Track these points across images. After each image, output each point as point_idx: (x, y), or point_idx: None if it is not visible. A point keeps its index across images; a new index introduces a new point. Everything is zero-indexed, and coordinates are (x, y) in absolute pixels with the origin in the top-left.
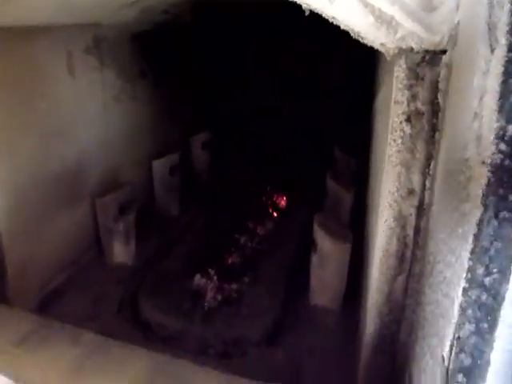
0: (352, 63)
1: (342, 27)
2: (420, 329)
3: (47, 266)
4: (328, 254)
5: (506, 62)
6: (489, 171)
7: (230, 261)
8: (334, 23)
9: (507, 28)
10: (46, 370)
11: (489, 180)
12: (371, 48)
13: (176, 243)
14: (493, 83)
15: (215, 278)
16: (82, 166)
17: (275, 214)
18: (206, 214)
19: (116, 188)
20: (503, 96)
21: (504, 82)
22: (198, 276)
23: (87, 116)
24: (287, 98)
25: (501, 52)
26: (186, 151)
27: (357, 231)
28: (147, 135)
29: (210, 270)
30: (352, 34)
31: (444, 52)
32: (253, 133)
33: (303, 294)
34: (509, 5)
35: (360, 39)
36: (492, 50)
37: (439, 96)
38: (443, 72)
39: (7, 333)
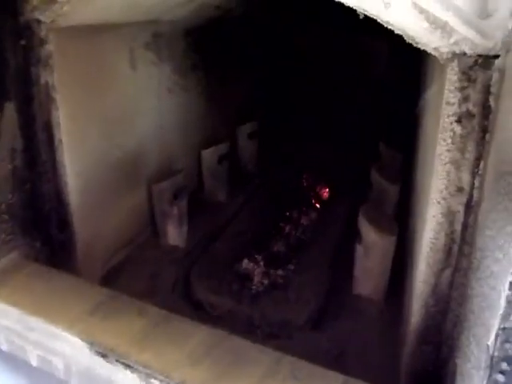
0: (399, 56)
1: (395, 31)
2: (466, 320)
3: (109, 244)
4: (373, 245)
5: None
6: None
7: (275, 248)
8: (389, 28)
9: None
10: (117, 337)
11: None
12: None
13: (224, 229)
14: None
15: (262, 263)
16: (139, 153)
17: (319, 205)
18: (252, 201)
19: (170, 175)
20: None
21: None
22: (245, 260)
23: (144, 107)
24: (335, 90)
25: None
26: (233, 141)
27: (401, 224)
28: (197, 125)
29: (256, 255)
30: (406, 38)
31: (497, 57)
32: (299, 124)
33: (347, 283)
34: None
35: (414, 43)
36: None
37: (491, 99)
38: (496, 76)
39: (81, 302)
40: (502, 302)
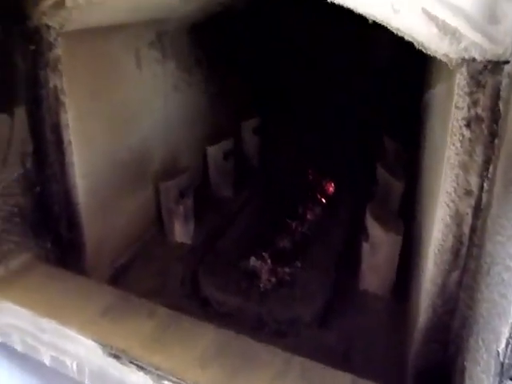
0: (403, 50)
1: (405, 38)
2: (474, 323)
3: (118, 243)
4: (379, 243)
5: None
6: None
7: (281, 244)
8: (399, 34)
9: None
10: (129, 339)
11: None
12: None
13: (230, 225)
14: None
15: (269, 260)
16: (145, 152)
17: (325, 200)
18: (258, 197)
19: (176, 173)
20: None
21: None
22: (253, 258)
23: (150, 105)
24: (338, 85)
25: None
26: (238, 136)
27: (406, 220)
28: (202, 121)
29: (263, 252)
30: (415, 44)
31: (507, 62)
32: (302, 118)
33: (353, 279)
34: None
35: (423, 49)
36: None
37: (500, 103)
38: (505, 81)
39: (92, 303)
40: None
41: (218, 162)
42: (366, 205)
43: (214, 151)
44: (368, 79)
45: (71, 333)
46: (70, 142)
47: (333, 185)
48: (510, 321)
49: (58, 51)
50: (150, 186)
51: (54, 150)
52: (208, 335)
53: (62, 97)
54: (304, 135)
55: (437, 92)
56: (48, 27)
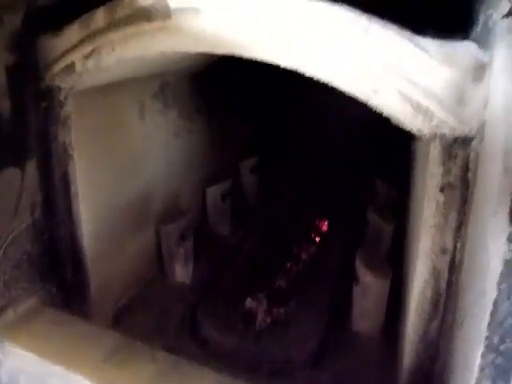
0: None
1: (383, 114)
2: (452, 372)
3: (120, 284)
4: (369, 287)
5: None
6: (502, 265)
7: (277, 284)
8: (377, 111)
9: None
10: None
11: (502, 271)
12: None
13: (228, 264)
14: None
15: (265, 301)
16: (147, 196)
17: (319, 240)
18: (255, 236)
19: (177, 216)
20: None
21: None
22: (249, 299)
23: (153, 153)
24: (331, 128)
25: (509, 179)
26: (236, 176)
27: (396, 263)
28: (202, 164)
29: (259, 293)
30: (392, 121)
31: (473, 138)
32: (299, 159)
33: (346, 319)
34: None
35: (399, 125)
36: (505, 169)
37: (469, 174)
38: (473, 154)
39: (95, 349)
40: (476, 369)
41: (217, 202)
42: (357, 246)
43: (212, 192)
44: (363, 123)
45: (77, 377)
46: (76, 191)
47: (327, 225)
48: (474, 376)
49: (68, 109)
50: (151, 228)
51: (61, 199)
52: (207, 379)
53: (70, 150)
54: (300, 175)
55: (418, 150)
56: (59, 88)
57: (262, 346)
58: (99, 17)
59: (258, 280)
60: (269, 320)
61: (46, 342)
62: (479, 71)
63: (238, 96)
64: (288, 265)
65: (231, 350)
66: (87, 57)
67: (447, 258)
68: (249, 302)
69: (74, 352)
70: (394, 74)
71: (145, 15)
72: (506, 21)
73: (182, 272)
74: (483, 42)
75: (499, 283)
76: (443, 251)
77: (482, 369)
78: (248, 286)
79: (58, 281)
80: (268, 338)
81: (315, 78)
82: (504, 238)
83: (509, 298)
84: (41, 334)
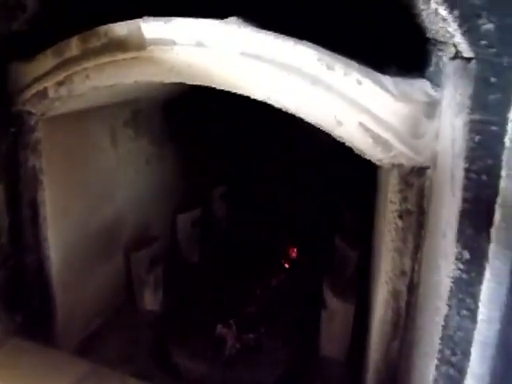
0: None
1: (346, 144)
2: None
3: (88, 311)
4: (335, 312)
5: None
6: (451, 282)
7: (247, 310)
8: (340, 141)
9: (462, 183)
10: None
11: (451, 288)
12: None
13: (198, 291)
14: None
15: (234, 327)
16: (117, 223)
17: (288, 266)
18: (225, 262)
19: (147, 242)
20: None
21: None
22: (219, 326)
23: (123, 180)
24: (300, 157)
25: (456, 203)
26: (207, 203)
27: (362, 286)
28: (172, 192)
29: (230, 319)
30: (355, 150)
31: (428, 168)
32: (267, 188)
33: (314, 344)
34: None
35: (361, 155)
36: (453, 194)
37: (424, 200)
38: (427, 182)
39: (63, 376)
40: (430, 382)
41: (187, 229)
42: (325, 272)
43: (183, 219)
44: (330, 152)
45: None
46: (45, 217)
47: (296, 252)
48: None
49: (39, 134)
50: (121, 254)
51: (29, 225)
52: None
53: (40, 175)
54: (270, 203)
55: (380, 179)
56: (30, 113)
57: (231, 371)
58: (73, 45)
59: (227, 305)
60: (238, 346)
61: (12, 372)
62: (432, 107)
63: (210, 125)
64: (258, 291)
65: (201, 377)
66: (60, 84)
67: (406, 280)
68: (219, 328)
69: (41, 381)
70: (356, 108)
71: (120, 45)
72: (453, 63)
73: (151, 299)
74: (435, 81)
75: (449, 299)
76: (402, 273)
77: (435, 380)
78: (218, 311)
79: (24, 309)
80: (238, 363)
81: (283, 110)
82: (453, 257)
83: (458, 314)
84: (5, 365)
